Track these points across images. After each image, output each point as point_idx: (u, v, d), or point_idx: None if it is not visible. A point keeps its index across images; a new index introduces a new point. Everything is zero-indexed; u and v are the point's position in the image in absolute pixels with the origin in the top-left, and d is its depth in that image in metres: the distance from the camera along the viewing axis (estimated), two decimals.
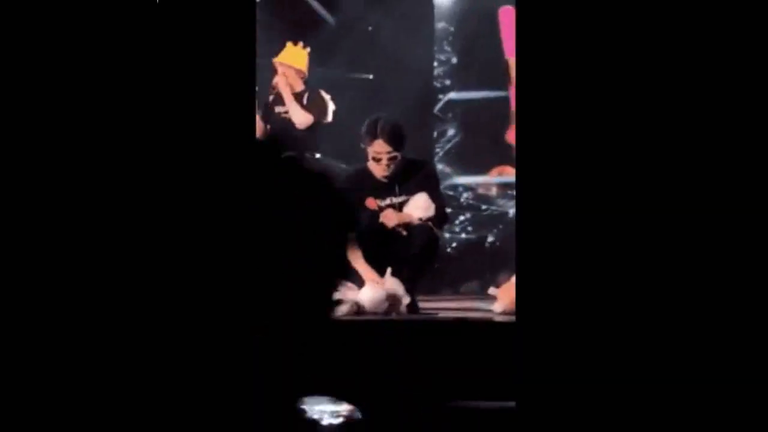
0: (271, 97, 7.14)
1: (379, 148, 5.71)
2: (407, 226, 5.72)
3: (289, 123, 6.97)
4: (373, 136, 5.72)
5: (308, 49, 7.18)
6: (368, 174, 5.84)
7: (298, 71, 7.10)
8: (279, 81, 7.04)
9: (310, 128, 6.95)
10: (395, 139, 5.72)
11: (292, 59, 7.12)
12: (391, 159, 5.72)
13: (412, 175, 5.86)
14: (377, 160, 5.74)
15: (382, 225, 5.75)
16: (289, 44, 7.14)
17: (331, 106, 7.05)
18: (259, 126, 6.96)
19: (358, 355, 4.52)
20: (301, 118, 6.93)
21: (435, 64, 9.13)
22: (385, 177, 5.78)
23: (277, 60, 7.11)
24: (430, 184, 5.90)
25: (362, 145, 5.84)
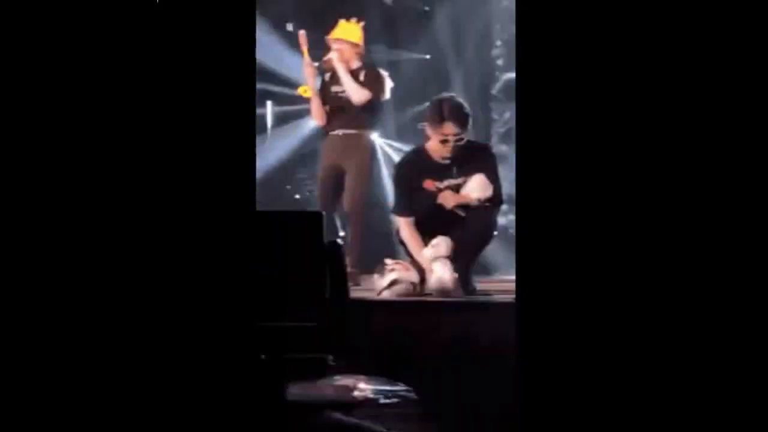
0: (327, 76, 6.92)
1: (447, 130, 5.67)
2: (465, 207, 5.70)
3: (346, 102, 6.84)
4: (441, 118, 5.69)
5: (362, 24, 6.96)
6: (426, 155, 5.83)
7: (354, 46, 6.86)
8: (333, 58, 6.81)
9: (368, 106, 6.81)
10: (463, 121, 5.70)
11: (347, 34, 6.90)
12: (457, 141, 5.70)
13: (470, 156, 5.81)
14: (444, 142, 5.72)
15: (440, 206, 5.73)
16: (341, 21, 6.95)
17: (389, 83, 6.91)
18: (318, 106, 6.89)
19: (413, 336, 4.52)
20: (359, 95, 6.70)
21: (498, 43, 9.06)
22: (446, 158, 5.76)
23: (330, 37, 6.92)
24: (487, 165, 5.84)
25: (419, 126, 5.83)
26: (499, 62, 9.11)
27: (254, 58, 4.19)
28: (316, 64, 6.88)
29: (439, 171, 5.79)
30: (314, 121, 7.06)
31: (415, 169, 5.85)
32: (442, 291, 5.44)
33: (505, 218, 8.03)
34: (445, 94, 6.01)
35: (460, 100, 5.85)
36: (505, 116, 9.06)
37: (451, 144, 5.68)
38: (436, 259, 5.51)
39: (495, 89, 9.08)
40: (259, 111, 8.33)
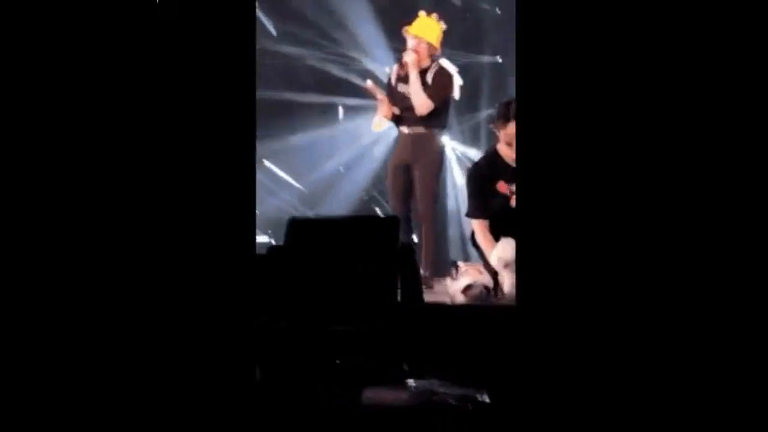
0: (395, 75, 6.78)
1: (512, 131, 5.65)
2: None
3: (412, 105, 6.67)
4: (507, 119, 5.67)
5: (443, 24, 6.73)
6: (499, 157, 5.81)
7: (431, 47, 6.65)
8: (409, 62, 6.62)
9: (436, 106, 6.68)
10: None
11: (426, 33, 6.65)
12: None
13: None
14: (510, 144, 5.70)
15: (514, 209, 5.70)
16: (422, 14, 6.69)
17: (458, 80, 6.76)
18: (386, 105, 6.73)
19: (485, 340, 4.51)
20: (422, 106, 6.57)
21: None
22: (515, 160, 5.74)
23: (409, 30, 6.68)
24: None
25: (492, 128, 5.81)
26: None
27: (254, 58, 4.18)
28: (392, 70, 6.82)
29: (512, 173, 5.77)
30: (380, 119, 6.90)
31: (488, 171, 5.82)
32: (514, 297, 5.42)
33: None
34: (514, 96, 5.98)
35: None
36: None
37: (514, 145, 5.63)
38: (505, 264, 5.47)
39: None
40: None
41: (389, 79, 6.85)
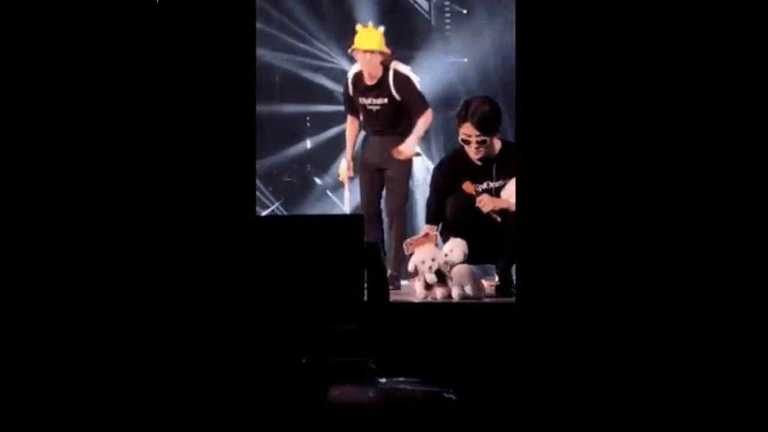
0: (352, 87, 6.74)
1: (467, 130, 5.72)
2: (503, 212, 5.68)
3: (378, 112, 6.67)
4: (463, 119, 5.74)
5: (382, 28, 6.73)
6: (465, 156, 5.83)
7: (376, 54, 6.59)
8: (364, 70, 6.61)
9: (405, 112, 6.68)
10: (484, 123, 5.70)
11: (366, 43, 6.64)
12: (479, 143, 5.71)
13: (510, 159, 5.80)
14: (467, 143, 5.75)
15: (478, 210, 5.72)
16: (358, 27, 6.71)
17: (416, 78, 6.70)
18: (352, 121, 6.80)
19: (451, 338, 4.53)
20: (410, 150, 6.58)
21: None
22: (478, 160, 5.76)
23: (355, 48, 6.68)
24: None
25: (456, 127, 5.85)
26: None
27: (254, 57, 4.19)
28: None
29: (477, 173, 5.79)
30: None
31: (452, 171, 5.85)
32: (464, 297, 5.44)
33: None
34: (477, 97, 5.98)
35: (490, 102, 5.84)
36: None
37: (473, 145, 5.71)
38: (453, 266, 5.49)
39: None
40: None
41: (346, 90, 6.80)
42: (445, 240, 5.65)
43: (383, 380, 4.11)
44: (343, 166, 6.95)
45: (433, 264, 5.41)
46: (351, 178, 6.97)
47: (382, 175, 6.68)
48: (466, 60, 8.52)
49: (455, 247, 5.48)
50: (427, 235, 5.58)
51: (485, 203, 5.68)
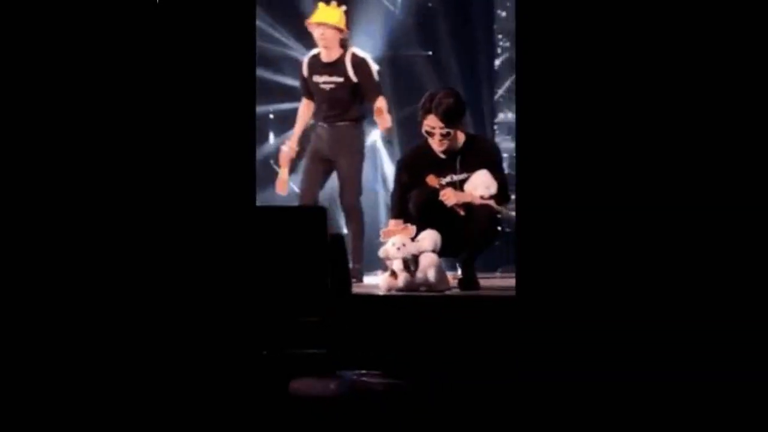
0: (307, 67, 6.57)
1: (431, 122, 5.70)
2: (467, 206, 5.68)
3: (332, 93, 6.51)
4: (427, 111, 5.71)
5: (344, 8, 6.59)
6: (428, 149, 5.83)
7: (336, 29, 6.44)
8: (320, 45, 6.46)
9: (358, 95, 6.45)
10: (448, 115, 5.67)
11: (327, 17, 6.48)
12: (443, 135, 5.70)
13: (474, 151, 5.82)
14: (430, 135, 5.73)
15: (442, 203, 5.72)
16: (321, 5, 6.55)
17: (375, 66, 6.52)
18: (307, 104, 6.66)
19: (411, 331, 4.53)
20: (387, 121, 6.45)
21: (500, 37, 9.03)
22: (442, 152, 5.77)
23: (310, 21, 6.51)
24: (491, 160, 5.84)
25: (419, 120, 5.84)
26: (505, 58, 9.08)
27: (254, 57, 4.18)
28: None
29: (441, 166, 5.79)
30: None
31: (416, 164, 5.84)
32: (428, 287, 5.44)
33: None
34: (441, 89, 5.96)
35: (454, 94, 5.81)
36: (509, 114, 9.04)
37: (436, 137, 5.70)
38: (422, 254, 5.48)
39: (502, 86, 9.06)
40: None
41: (301, 71, 6.65)
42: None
43: (343, 373, 4.11)
44: (285, 149, 6.71)
45: (402, 248, 5.40)
46: (293, 163, 6.77)
47: (329, 167, 6.54)
48: (431, 53, 8.54)
49: (428, 236, 5.48)
50: (405, 227, 5.56)
51: (449, 197, 5.68)
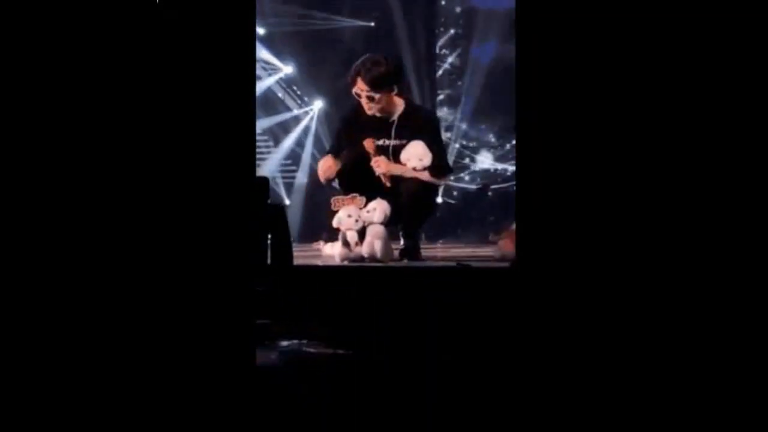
0: None
1: (360, 85, 5.77)
2: (396, 178, 5.68)
3: None
4: (356, 74, 5.77)
5: None
6: (362, 111, 5.86)
7: None
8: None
9: None
10: (373, 80, 5.73)
11: None
12: (369, 98, 5.74)
13: (412, 119, 5.84)
14: (358, 96, 5.79)
15: (371, 169, 5.74)
16: None
17: None
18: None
19: (353, 300, 4.54)
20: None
21: (442, 5, 9.02)
22: (377, 116, 5.79)
23: None
24: (429, 130, 5.86)
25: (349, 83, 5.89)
26: (446, 30, 9.08)
27: (254, 57, 4.17)
28: None
29: (377, 129, 5.81)
30: None
31: (354, 123, 5.90)
32: (373, 258, 5.45)
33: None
34: (371, 55, 5.96)
35: (384, 61, 5.83)
36: (449, 82, 9.04)
37: (363, 100, 5.76)
38: (369, 225, 5.50)
39: (446, 58, 9.05)
40: None
41: None
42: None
43: (285, 343, 4.11)
44: None
45: (359, 220, 5.41)
46: None
47: None
48: (372, 24, 8.51)
49: (378, 207, 5.49)
50: (354, 198, 5.56)
51: (379, 165, 5.70)
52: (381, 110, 5.78)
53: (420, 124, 5.84)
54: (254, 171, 4.27)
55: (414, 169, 5.67)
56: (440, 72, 9.05)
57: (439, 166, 5.84)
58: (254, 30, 4.27)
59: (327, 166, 5.81)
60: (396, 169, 5.68)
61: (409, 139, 5.75)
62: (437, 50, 9.02)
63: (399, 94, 5.82)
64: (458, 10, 9.04)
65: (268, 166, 6.98)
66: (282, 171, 7.69)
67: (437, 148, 5.84)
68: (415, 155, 5.67)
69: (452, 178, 7.46)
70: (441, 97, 9.07)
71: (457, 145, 8.85)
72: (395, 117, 5.81)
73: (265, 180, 4.92)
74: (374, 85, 5.70)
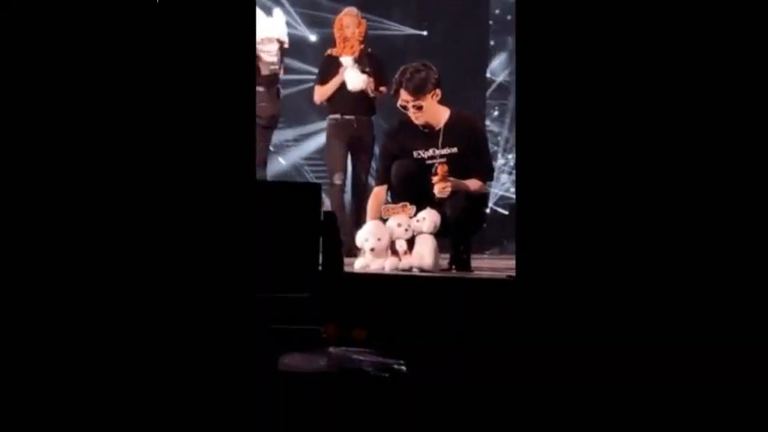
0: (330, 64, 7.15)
1: (404, 96, 5.75)
2: (454, 192, 5.65)
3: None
4: (399, 85, 5.76)
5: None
6: (409, 122, 5.87)
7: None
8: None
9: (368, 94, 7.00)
10: (418, 88, 5.71)
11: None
12: (416, 108, 5.74)
13: (458, 127, 5.84)
14: (404, 108, 5.78)
15: (423, 178, 5.72)
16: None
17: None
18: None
19: (404, 310, 4.54)
20: (355, 83, 7.02)
21: (490, 22, 9.05)
22: (423, 126, 5.80)
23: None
24: (476, 136, 5.89)
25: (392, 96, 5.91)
26: (494, 41, 9.10)
27: (254, 57, 4.18)
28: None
29: (424, 138, 5.82)
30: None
31: (400, 135, 5.91)
32: (421, 269, 5.43)
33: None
34: (412, 64, 5.93)
35: (425, 67, 5.82)
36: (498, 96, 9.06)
37: (410, 111, 5.75)
38: (419, 234, 5.49)
39: (490, 69, 9.08)
40: None
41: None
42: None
43: (333, 349, 4.11)
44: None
45: (409, 229, 5.42)
46: None
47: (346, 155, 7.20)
48: (425, 33, 8.54)
49: (428, 216, 5.48)
50: (404, 207, 5.56)
51: (442, 189, 5.62)
52: (427, 119, 5.79)
53: (466, 131, 5.85)
54: (254, 171, 4.25)
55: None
56: (492, 87, 9.07)
57: (488, 170, 5.91)
58: (254, 30, 4.28)
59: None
60: (460, 186, 5.66)
61: (455, 145, 5.76)
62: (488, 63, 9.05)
63: (442, 102, 5.83)
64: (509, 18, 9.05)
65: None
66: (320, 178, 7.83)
67: (484, 152, 5.90)
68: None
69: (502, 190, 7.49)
70: (491, 111, 9.09)
71: (508, 157, 8.84)
72: (441, 125, 5.81)
73: (317, 186, 4.95)
74: (418, 91, 5.71)
